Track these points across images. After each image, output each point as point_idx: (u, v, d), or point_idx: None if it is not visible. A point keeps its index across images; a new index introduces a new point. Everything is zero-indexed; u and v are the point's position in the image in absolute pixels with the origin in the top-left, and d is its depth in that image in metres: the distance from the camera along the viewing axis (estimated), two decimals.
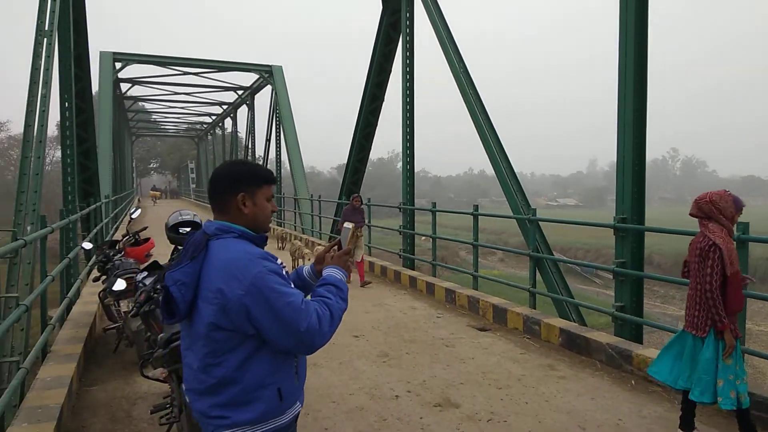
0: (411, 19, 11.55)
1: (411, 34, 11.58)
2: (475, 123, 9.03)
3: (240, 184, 1.87)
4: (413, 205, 11.36)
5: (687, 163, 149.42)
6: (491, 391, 4.70)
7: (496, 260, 47.12)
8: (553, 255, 7.64)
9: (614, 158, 6.15)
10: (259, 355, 1.76)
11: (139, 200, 40.92)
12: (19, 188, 5.70)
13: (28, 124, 6.29)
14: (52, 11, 7.67)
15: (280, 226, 19.16)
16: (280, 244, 15.68)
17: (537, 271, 7.30)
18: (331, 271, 1.97)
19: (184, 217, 4.38)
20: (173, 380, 3.31)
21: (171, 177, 79.94)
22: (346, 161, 15.08)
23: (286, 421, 1.83)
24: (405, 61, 11.57)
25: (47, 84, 6.77)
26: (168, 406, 3.49)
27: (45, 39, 7.21)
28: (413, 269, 10.68)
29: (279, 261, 1.84)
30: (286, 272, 1.85)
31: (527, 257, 7.37)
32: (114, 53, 20.99)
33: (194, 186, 56.91)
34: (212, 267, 1.75)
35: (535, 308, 7.07)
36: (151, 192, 54.07)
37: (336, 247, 2.09)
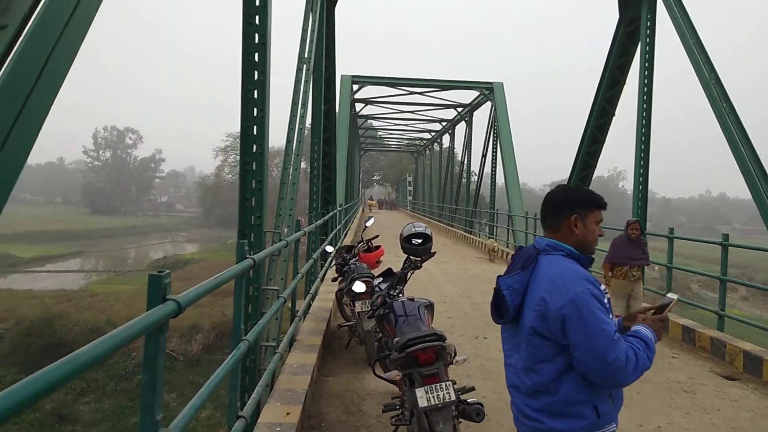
0: (652, 27, 10.65)
1: (651, 44, 10.67)
2: (729, 140, 7.94)
3: (574, 206, 2.01)
4: (644, 230, 10.38)
5: None
6: None
7: (738, 298, 40.65)
8: None
9: None
10: (574, 371, 1.86)
11: (363, 210, 44.54)
12: (279, 195, 6.61)
13: (288, 140, 7.27)
14: (311, 41, 8.81)
15: (490, 239, 19.09)
16: (490, 257, 15.60)
17: None
18: (642, 329, 1.97)
19: (416, 229, 4.63)
20: (405, 384, 3.49)
21: (390, 189, 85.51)
22: (567, 178, 14.45)
23: None
24: (642, 73, 10.68)
25: (305, 105, 7.78)
26: (398, 407, 3.68)
27: (304, 66, 8.29)
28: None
29: (603, 287, 1.91)
30: (608, 300, 1.91)
31: None
32: (353, 76, 23.24)
33: (411, 198, 60.02)
34: (539, 278, 1.92)
35: None
36: (369, 201, 59.58)
37: (652, 311, 2.09)
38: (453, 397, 3.23)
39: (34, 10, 1.62)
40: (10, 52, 1.55)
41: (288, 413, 3.88)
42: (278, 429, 3.62)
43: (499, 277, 2.04)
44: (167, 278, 1.94)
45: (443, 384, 3.25)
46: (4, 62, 1.53)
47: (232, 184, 66.32)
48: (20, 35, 1.57)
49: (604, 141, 13.18)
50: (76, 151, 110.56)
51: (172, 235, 77.98)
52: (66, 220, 75.60)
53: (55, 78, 1.63)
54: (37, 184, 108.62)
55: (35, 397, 1.14)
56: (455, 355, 3.63)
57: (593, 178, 13.94)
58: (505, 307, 1.97)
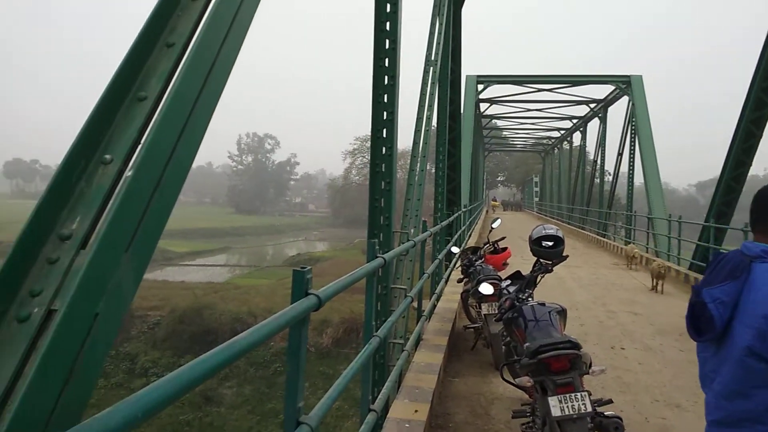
0: None
1: None
2: None
3: None
4: None
5: None
6: None
7: None
8: None
9: None
10: None
11: (487, 211, 43.90)
12: (406, 196, 6.74)
13: (415, 142, 7.38)
14: (437, 44, 8.85)
15: (629, 244, 17.85)
16: (629, 264, 14.57)
17: None
18: None
19: (547, 231, 4.45)
20: (536, 391, 3.38)
21: (515, 190, 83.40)
22: (717, 178, 13.16)
23: None
24: None
25: (431, 107, 7.84)
26: (528, 414, 3.58)
27: (431, 68, 8.37)
28: None
29: None
30: None
31: None
32: (477, 76, 22.99)
33: (537, 199, 58.10)
34: (757, 290, 1.68)
35: None
36: (493, 203, 58.76)
37: None
38: (589, 409, 3.07)
39: (196, 29, 1.79)
40: (177, 67, 1.72)
41: (416, 411, 3.94)
42: (407, 425, 3.68)
43: (696, 287, 1.82)
44: (309, 274, 2.06)
45: (579, 394, 3.10)
46: (173, 77, 1.69)
47: (359, 185, 68.62)
48: (185, 52, 1.74)
49: (761, 136, 11.83)
50: (222, 156, 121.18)
51: (305, 234, 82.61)
52: (214, 219, 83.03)
53: (215, 90, 1.79)
54: (190, 187, 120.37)
55: (202, 377, 1.27)
56: (590, 365, 3.45)
57: (747, 177, 12.56)
58: (708, 323, 1.73)
